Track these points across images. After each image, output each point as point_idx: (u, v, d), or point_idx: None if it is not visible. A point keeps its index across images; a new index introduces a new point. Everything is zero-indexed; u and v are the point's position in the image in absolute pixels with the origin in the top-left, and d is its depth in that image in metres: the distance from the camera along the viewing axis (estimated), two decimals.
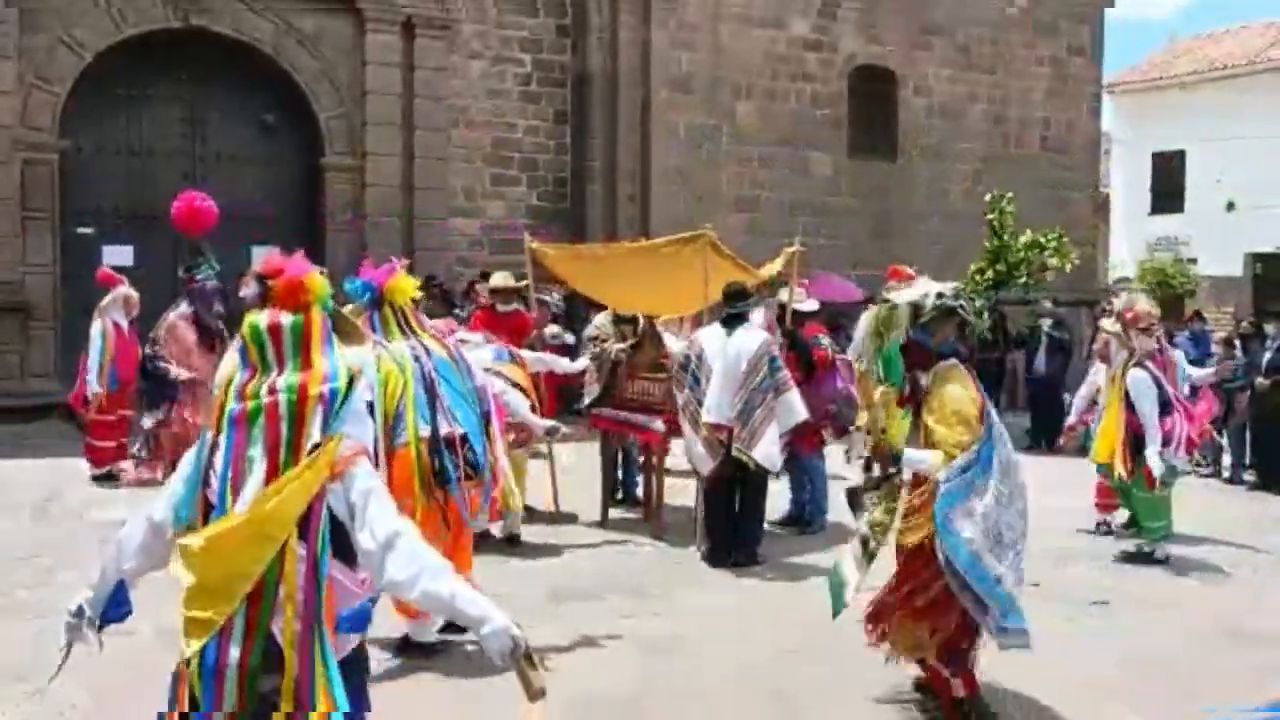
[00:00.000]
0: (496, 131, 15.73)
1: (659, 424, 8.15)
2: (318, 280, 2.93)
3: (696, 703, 5.04)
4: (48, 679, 3.17)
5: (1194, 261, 27.74)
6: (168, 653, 5.46)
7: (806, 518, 8.52)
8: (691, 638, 5.92)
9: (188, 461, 2.99)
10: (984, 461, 4.48)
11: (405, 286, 5.31)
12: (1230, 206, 27.19)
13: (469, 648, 5.43)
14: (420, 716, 4.78)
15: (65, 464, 9.70)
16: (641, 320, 8.79)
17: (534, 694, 2.71)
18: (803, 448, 8.15)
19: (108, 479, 9.40)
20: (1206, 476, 11.58)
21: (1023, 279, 14.93)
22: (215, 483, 2.85)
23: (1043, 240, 15.09)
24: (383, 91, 14.87)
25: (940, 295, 4.73)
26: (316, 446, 2.81)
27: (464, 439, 5.11)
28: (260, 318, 2.88)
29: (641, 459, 8.96)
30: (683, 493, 8.58)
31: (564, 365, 8.46)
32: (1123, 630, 6.24)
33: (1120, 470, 7.58)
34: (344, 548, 2.85)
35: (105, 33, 13.59)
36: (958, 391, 4.57)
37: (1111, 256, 28.94)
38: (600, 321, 9.15)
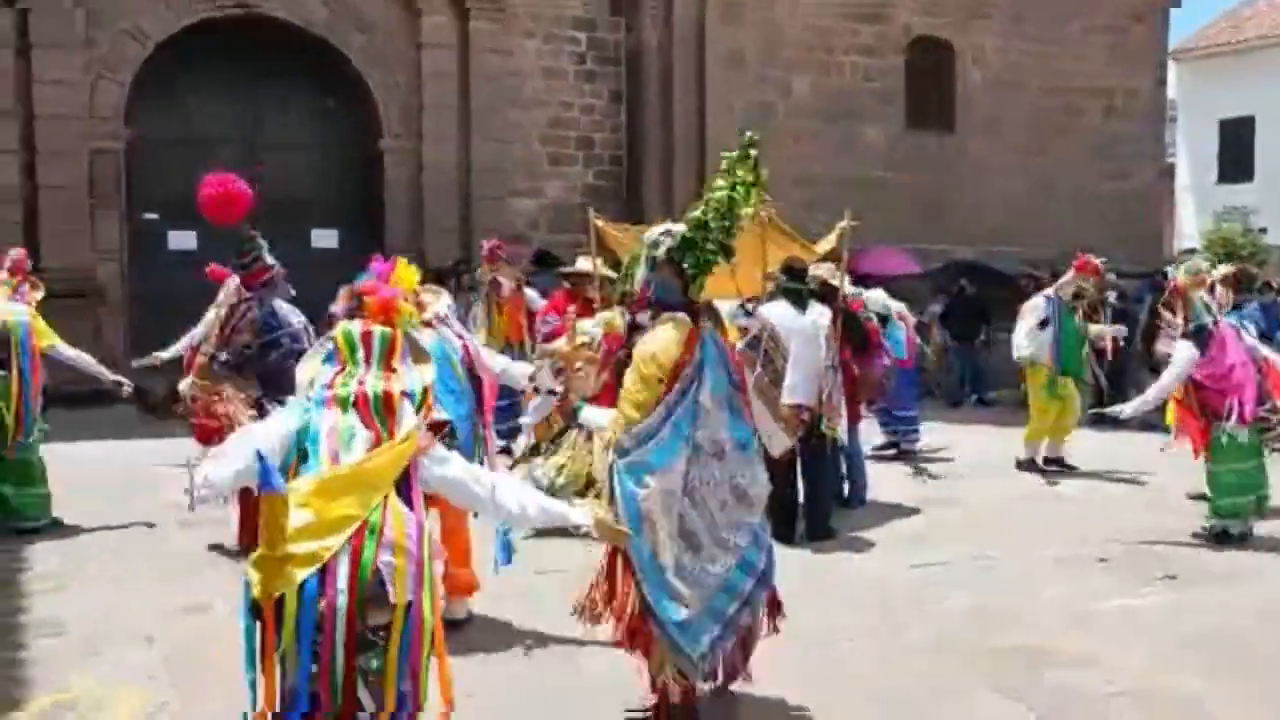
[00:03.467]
0: (552, 111, 15.77)
1: None
2: (405, 304, 3.49)
3: (766, 677, 5.06)
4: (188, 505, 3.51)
5: (1264, 231, 27.06)
6: (236, 624, 5.64)
7: (851, 492, 8.50)
8: None
9: (276, 429, 3.35)
10: (671, 436, 4.02)
11: (406, 276, 5.33)
12: None
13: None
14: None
15: (137, 446, 9.94)
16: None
17: (620, 537, 3.88)
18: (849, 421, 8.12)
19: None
20: None
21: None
22: (310, 446, 3.26)
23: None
24: (438, 74, 14.97)
25: (668, 235, 4.31)
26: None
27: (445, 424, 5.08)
28: (355, 325, 3.41)
29: None
30: None
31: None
32: (1187, 606, 6.15)
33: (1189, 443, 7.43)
34: None
35: (166, 22, 13.83)
36: (652, 346, 4.10)
37: (1177, 227, 28.34)
38: None
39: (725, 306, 9.08)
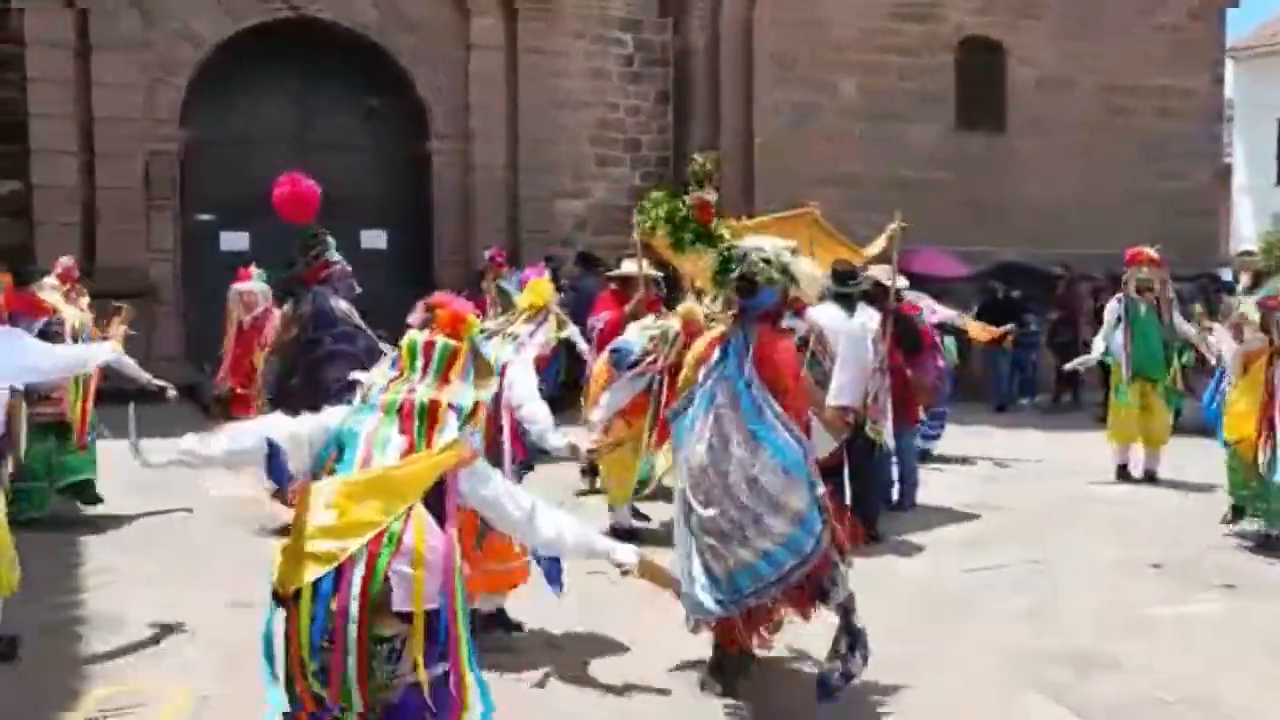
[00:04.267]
0: (599, 112, 15.80)
1: None
2: (474, 321, 3.54)
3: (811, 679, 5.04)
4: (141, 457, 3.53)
5: None
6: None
7: (900, 495, 8.44)
8: None
9: (310, 424, 3.40)
10: (693, 417, 4.67)
11: (540, 290, 5.62)
12: None
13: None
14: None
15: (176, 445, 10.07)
16: None
17: (668, 582, 3.95)
18: (900, 424, 8.06)
19: None
20: None
21: None
22: (348, 447, 3.28)
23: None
24: (486, 74, 15.05)
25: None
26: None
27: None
28: (420, 335, 3.47)
29: None
30: None
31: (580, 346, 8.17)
32: (1244, 615, 6.04)
33: (1261, 458, 7.22)
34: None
35: (221, 25, 14.03)
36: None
37: (1234, 229, 27.82)
38: (687, 306, 9.15)
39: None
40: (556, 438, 5.26)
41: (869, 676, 4.97)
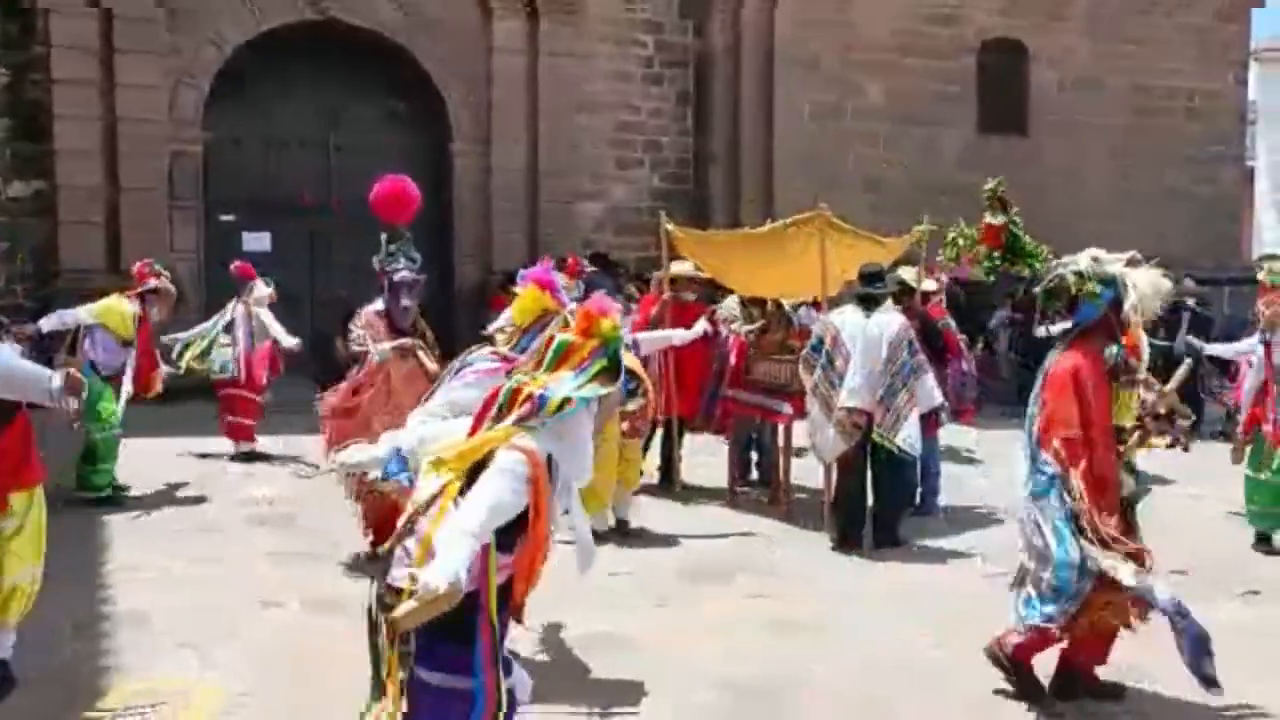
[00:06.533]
0: (619, 114, 15.81)
1: (786, 407, 8.12)
2: (608, 325, 3.27)
3: (833, 686, 5.03)
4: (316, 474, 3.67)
5: None
6: (311, 620, 5.74)
7: (921, 500, 8.40)
8: (825, 620, 5.90)
9: (449, 429, 3.45)
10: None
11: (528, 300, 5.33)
12: None
13: None
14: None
15: (210, 443, 10.16)
16: (769, 303, 8.78)
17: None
18: (923, 430, 8.02)
19: (248, 457, 9.81)
20: None
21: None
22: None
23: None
24: (508, 77, 15.08)
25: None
26: None
27: None
28: (554, 330, 3.46)
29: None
30: (811, 475, 8.54)
31: (680, 335, 8.06)
32: (1270, 622, 5.98)
33: None
34: (506, 534, 3.05)
35: (245, 27, 14.11)
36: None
37: (1256, 232, 27.60)
38: (729, 304, 9.17)
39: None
40: None
41: (890, 685, 4.97)
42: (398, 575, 3.04)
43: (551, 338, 3.33)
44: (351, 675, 4.28)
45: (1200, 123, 17.79)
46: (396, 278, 6.79)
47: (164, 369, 9.19)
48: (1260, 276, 7.75)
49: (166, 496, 8.45)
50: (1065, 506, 4.52)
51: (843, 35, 15.95)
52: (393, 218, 6.97)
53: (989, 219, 5.58)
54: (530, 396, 3.12)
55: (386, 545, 3.20)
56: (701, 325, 8.11)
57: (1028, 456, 4.69)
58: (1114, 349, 4.77)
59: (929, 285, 8.82)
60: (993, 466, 10.27)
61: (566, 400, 3.12)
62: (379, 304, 6.90)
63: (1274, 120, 28.49)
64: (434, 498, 3.06)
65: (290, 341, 10.05)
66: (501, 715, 3.09)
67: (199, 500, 8.39)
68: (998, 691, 4.90)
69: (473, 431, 3.20)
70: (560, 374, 3.20)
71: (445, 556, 2.82)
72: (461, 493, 3.04)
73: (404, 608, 2.80)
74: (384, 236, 6.98)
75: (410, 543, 3.06)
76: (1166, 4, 17.54)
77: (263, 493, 8.55)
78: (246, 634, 5.47)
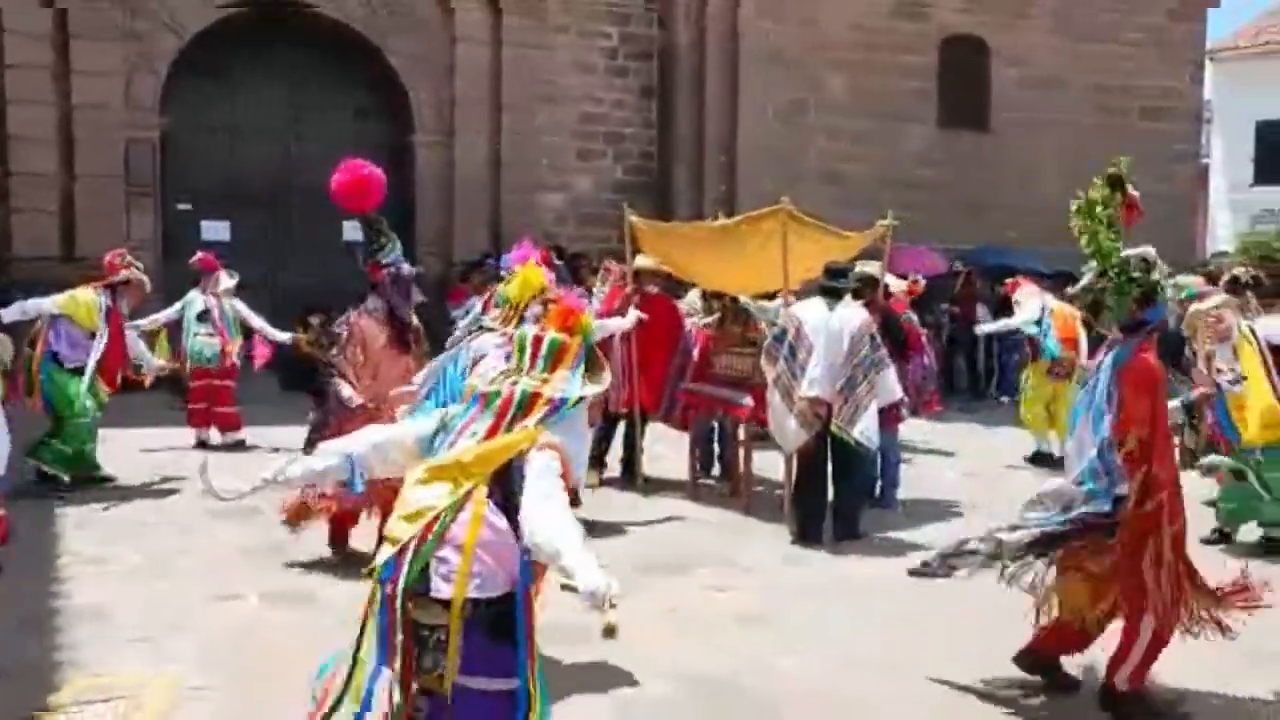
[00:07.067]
0: (583, 106, 15.78)
1: (747, 399, 8.15)
2: (587, 320, 3.48)
3: (792, 678, 5.06)
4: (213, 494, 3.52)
5: None
6: (270, 613, 5.70)
7: (880, 494, 8.48)
8: (785, 613, 5.93)
9: (403, 431, 3.48)
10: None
11: (530, 278, 5.32)
12: None
13: None
14: None
15: (173, 434, 10.07)
16: (725, 296, 8.83)
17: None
18: (883, 423, 8.08)
19: (234, 447, 9.84)
20: None
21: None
22: (441, 436, 3.30)
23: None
24: (471, 68, 15.00)
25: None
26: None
27: None
28: (532, 330, 3.47)
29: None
30: (771, 468, 8.58)
31: (615, 324, 7.95)
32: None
33: None
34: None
35: (202, 13, 13.92)
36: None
37: (1211, 230, 28.01)
38: (691, 298, 9.19)
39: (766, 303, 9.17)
40: None
41: (849, 678, 5.00)
42: (441, 587, 3.00)
43: (539, 338, 3.39)
44: (309, 669, 4.24)
45: (1157, 121, 18.03)
46: (404, 271, 6.45)
47: (154, 363, 9.22)
48: (1171, 294, 7.86)
49: (124, 489, 8.35)
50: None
51: (806, 29, 16.00)
52: (356, 206, 6.43)
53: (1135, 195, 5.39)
54: (550, 400, 3.24)
55: (381, 555, 3.11)
56: (633, 315, 8.12)
57: (1091, 451, 4.54)
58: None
59: (894, 282, 8.95)
60: (950, 460, 10.41)
61: (581, 399, 3.30)
62: (370, 303, 6.44)
63: (1228, 119, 28.92)
64: (458, 505, 3.05)
65: (281, 336, 10.13)
66: (536, 715, 3.08)
67: (165, 492, 8.30)
68: (961, 687, 4.95)
69: (491, 433, 3.21)
70: (561, 373, 3.32)
71: (588, 565, 2.85)
72: (490, 496, 3.08)
73: (612, 617, 2.78)
74: (363, 227, 6.56)
75: (447, 551, 3.01)
76: (1125, 4, 17.74)
77: (224, 485, 8.45)
78: (204, 627, 5.42)
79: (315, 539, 6.64)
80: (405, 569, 3.02)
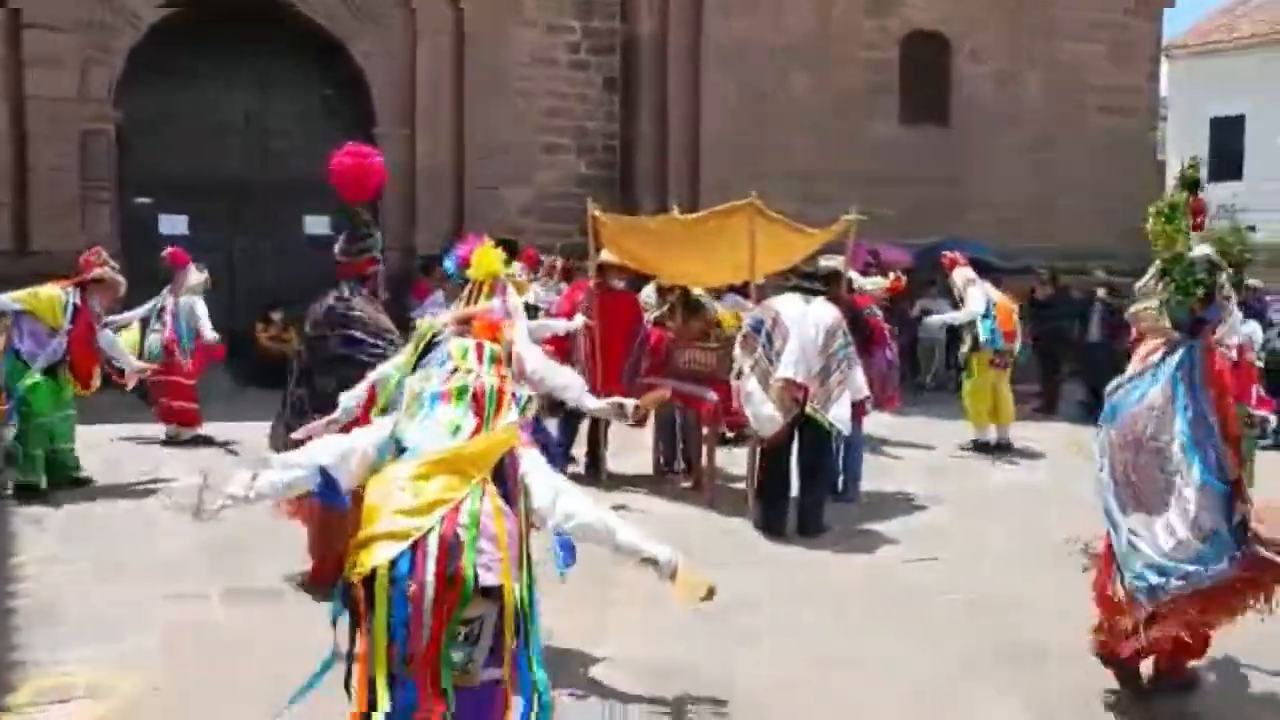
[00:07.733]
0: (546, 99, 15.70)
1: (711, 394, 8.18)
2: (508, 326, 4.00)
3: (755, 672, 5.07)
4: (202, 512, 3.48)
5: (1253, 229, 27.15)
6: (231, 611, 5.64)
7: (843, 488, 8.54)
8: (747, 605, 5.93)
9: (364, 438, 3.50)
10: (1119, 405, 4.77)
11: (486, 261, 5.20)
12: None
13: None
14: None
15: (131, 430, 9.94)
16: (676, 290, 8.90)
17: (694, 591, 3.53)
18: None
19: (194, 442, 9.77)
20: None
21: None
22: (412, 434, 3.34)
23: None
24: (433, 61, 14.89)
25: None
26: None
27: None
28: (468, 341, 3.70)
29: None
30: (734, 462, 8.61)
31: (562, 326, 8.04)
32: None
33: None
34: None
35: (157, 3, 13.70)
36: None
37: None
38: (646, 292, 9.20)
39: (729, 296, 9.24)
40: (593, 400, 5.07)
41: (812, 671, 5.02)
42: (489, 579, 3.02)
43: (481, 344, 3.65)
44: (268, 666, 4.22)
45: (1115, 117, 18.23)
46: (381, 269, 6.32)
47: (135, 364, 9.11)
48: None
49: (99, 487, 8.25)
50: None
51: (769, 23, 16.02)
52: (353, 195, 6.23)
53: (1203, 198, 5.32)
54: (514, 395, 3.48)
55: (383, 554, 3.06)
56: (579, 319, 8.30)
57: (1196, 452, 4.37)
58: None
59: (863, 281, 9.13)
60: (913, 454, 10.49)
61: (530, 399, 3.62)
62: (364, 295, 6.21)
63: (1185, 115, 29.34)
64: (474, 499, 3.12)
65: (211, 336, 10.06)
66: (538, 704, 3.16)
67: (124, 488, 8.20)
68: (930, 679, 4.99)
69: (477, 428, 3.34)
70: (505, 375, 3.60)
71: (640, 540, 3.42)
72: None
73: (698, 579, 3.39)
74: (348, 217, 6.36)
75: (484, 543, 3.06)
76: (1084, 2, 17.92)
77: (185, 482, 8.37)
78: (164, 625, 5.36)
79: (277, 537, 6.57)
80: (435, 562, 2.98)
